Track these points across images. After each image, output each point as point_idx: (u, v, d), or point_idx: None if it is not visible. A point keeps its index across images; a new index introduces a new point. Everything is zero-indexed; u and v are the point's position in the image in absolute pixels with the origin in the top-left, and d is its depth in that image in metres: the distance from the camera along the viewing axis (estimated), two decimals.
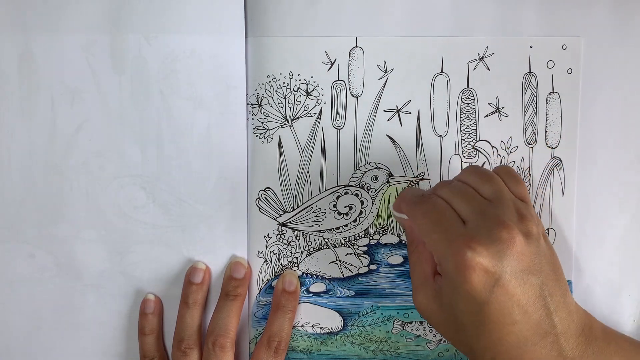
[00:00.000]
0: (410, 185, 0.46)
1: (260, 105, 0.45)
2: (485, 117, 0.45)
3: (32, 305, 0.46)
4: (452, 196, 0.36)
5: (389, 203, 0.46)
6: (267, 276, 0.46)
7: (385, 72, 0.45)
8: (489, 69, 0.45)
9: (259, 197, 0.46)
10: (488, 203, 0.35)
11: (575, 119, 0.45)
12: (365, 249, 0.46)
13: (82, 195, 0.46)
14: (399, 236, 0.46)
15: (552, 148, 0.46)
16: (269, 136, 0.46)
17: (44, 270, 0.46)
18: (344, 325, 0.46)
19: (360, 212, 0.46)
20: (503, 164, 0.45)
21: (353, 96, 0.45)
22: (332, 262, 0.46)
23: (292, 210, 0.46)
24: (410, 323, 0.46)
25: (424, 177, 0.46)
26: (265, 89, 0.45)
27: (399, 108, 0.45)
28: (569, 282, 0.46)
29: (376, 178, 0.46)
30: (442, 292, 0.35)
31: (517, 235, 0.32)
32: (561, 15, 0.45)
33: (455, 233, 0.33)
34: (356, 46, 0.45)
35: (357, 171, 0.46)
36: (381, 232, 0.46)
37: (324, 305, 0.46)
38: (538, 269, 0.33)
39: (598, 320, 0.37)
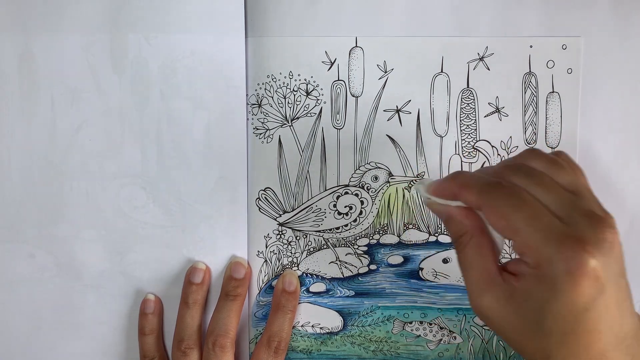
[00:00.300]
0: (411, 184, 0.46)
1: (260, 105, 0.45)
2: (485, 117, 0.45)
3: (32, 305, 0.46)
4: (532, 185, 0.31)
5: (389, 203, 0.46)
6: (267, 276, 0.46)
7: (385, 72, 0.45)
8: (489, 69, 0.45)
9: (259, 197, 0.46)
10: (572, 195, 0.31)
11: (575, 119, 0.45)
12: (365, 249, 0.46)
13: (82, 195, 0.46)
14: (398, 236, 0.46)
15: (552, 148, 0.46)
16: (269, 136, 0.46)
17: (44, 270, 0.46)
18: (344, 325, 0.46)
19: (360, 212, 0.46)
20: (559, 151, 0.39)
21: (353, 96, 0.45)
22: (332, 262, 0.46)
23: (292, 210, 0.46)
24: (410, 323, 0.46)
25: (424, 177, 0.46)
26: (265, 89, 0.45)
27: (399, 108, 0.45)
28: None
29: (376, 178, 0.46)
30: (524, 295, 0.31)
31: (617, 236, 0.30)
32: (561, 15, 0.45)
33: (559, 232, 0.29)
34: (356, 46, 0.45)
35: (357, 171, 0.46)
36: (381, 232, 0.46)
37: (324, 305, 0.46)
38: (624, 270, 0.31)
39: None
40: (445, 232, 0.46)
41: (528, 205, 0.30)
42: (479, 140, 0.46)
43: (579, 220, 0.30)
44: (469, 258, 0.33)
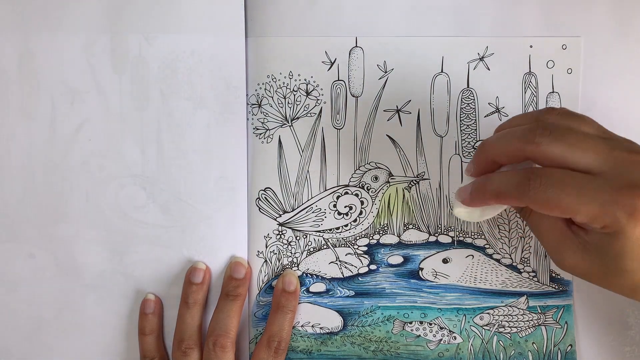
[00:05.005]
0: (410, 185, 0.46)
1: (260, 105, 0.45)
2: (485, 117, 0.45)
3: (32, 305, 0.46)
4: (566, 148, 0.32)
5: (389, 203, 0.46)
6: (267, 276, 0.46)
7: (385, 72, 0.45)
8: (489, 69, 0.45)
9: (259, 197, 0.46)
10: (605, 143, 0.33)
11: None
12: (365, 249, 0.46)
13: (82, 195, 0.46)
14: (398, 236, 0.46)
15: None
16: (269, 136, 0.46)
17: (44, 270, 0.46)
18: (344, 325, 0.46)
19: (360, 212, 0.46)
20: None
21: (353, 96, 0.45)
22: (332, 262, 0.46)
23: (292, 210, 0.46)
24: (410, 323, 0.46)
25: (424, 177, 0.46)
26: (265, 89, 0.45)
27: (399, 108, 0.45)
28: (569, 282, 0.46)
29: (376, 178, 0.46)
30: (597, 247, 0.33)
31: None
32: (561, 15, 0.45)
33: (611, 191, 0.31)
34: (356, 46, 0.45)
35: (357, 171, 0.46)
36: (381, 232, 0.46)
37: (324, 305, 0.46)
38: None
39: None
40: (445, 232, 0.46)
41: (569, 186, 0.32)
42: (479, 140, 0.46)
43: (622, 168, 0.31)
44: (544, 228, 0.36)
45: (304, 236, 0.46)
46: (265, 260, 0.46)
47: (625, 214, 0.31)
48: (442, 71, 0.45)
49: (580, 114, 0.36)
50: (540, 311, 0.46)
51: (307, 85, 0.45)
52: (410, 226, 0.46)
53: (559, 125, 0.33)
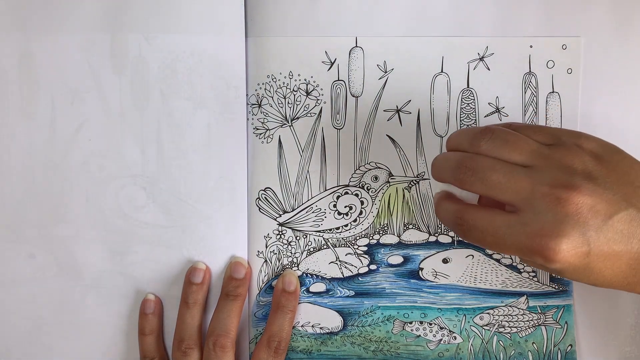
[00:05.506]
0: (411, 184, 0.46)
1: (260, 105, 0.45)
2: (485, 117, 0.45)
3: (32, 305, 0.46)
4: (489, 191, 0.33)
5: (389, 203, 0.46)
6: (267, 276, 0.46)
7: (385, 72, 0.45)
8: (489, 69, 0.45)
9: (259, 197, 0.46)
10: (527, 175, 0.33)
11: (575, 119, 0.45)
12: (365, 249, 0.46)
13: (82, 195, 0.46)
14: (398, 236, 0.46)
15: None
16: (269, 136, 0.46)
17: (44, 270, 0.46)
18: (344, 325, 0.46)
19: (360, 212, 0.46)
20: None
21: (353, 96, 0.45)
22: (332, 262, 0.46)
23: (292, 210, 0.46)
24: (410, 323, 0.46)
25: (424, 177, 0.46)
26: (265, 89, 0.45)
27: (399, 108, 0.45)
28: (569, 282, 0.46)
29: (376, 178, 0.46)
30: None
31: (579, 197, 0.31)
32: (561, 15, 0.45)
33: (520, 236, 0.32)
34: (356, 46, 0.45)
35: (357, 171, 0.46)
36: (381, 232, 0.46)
37: (324, 305, 0.46)
38: (615, 200, 0.32)
39: None
40: (445, 232, 0.46)
41: (488, 234, 0.33)
42: None
43: (539, 208, 0.32)
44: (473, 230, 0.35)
45: (304, 236, 0.46)
46: (265, 260, 0.46)
47: (541, 258, 0.32)
48: (442, 71, 0.45)
49: (524, 125, 0.35)
50: (540, 311, 0.46)
51: (307, 85, 0.45)
52: (410, 226, 0.46)
53: (483, 163, 0.33)
